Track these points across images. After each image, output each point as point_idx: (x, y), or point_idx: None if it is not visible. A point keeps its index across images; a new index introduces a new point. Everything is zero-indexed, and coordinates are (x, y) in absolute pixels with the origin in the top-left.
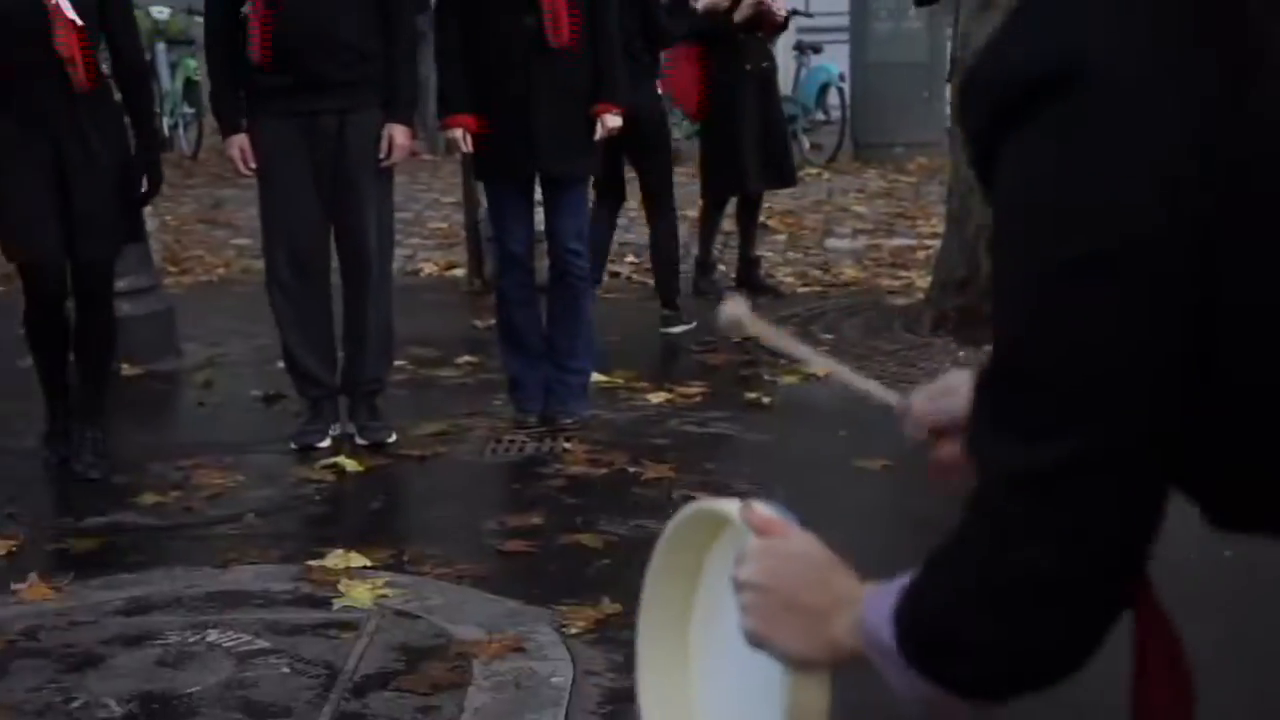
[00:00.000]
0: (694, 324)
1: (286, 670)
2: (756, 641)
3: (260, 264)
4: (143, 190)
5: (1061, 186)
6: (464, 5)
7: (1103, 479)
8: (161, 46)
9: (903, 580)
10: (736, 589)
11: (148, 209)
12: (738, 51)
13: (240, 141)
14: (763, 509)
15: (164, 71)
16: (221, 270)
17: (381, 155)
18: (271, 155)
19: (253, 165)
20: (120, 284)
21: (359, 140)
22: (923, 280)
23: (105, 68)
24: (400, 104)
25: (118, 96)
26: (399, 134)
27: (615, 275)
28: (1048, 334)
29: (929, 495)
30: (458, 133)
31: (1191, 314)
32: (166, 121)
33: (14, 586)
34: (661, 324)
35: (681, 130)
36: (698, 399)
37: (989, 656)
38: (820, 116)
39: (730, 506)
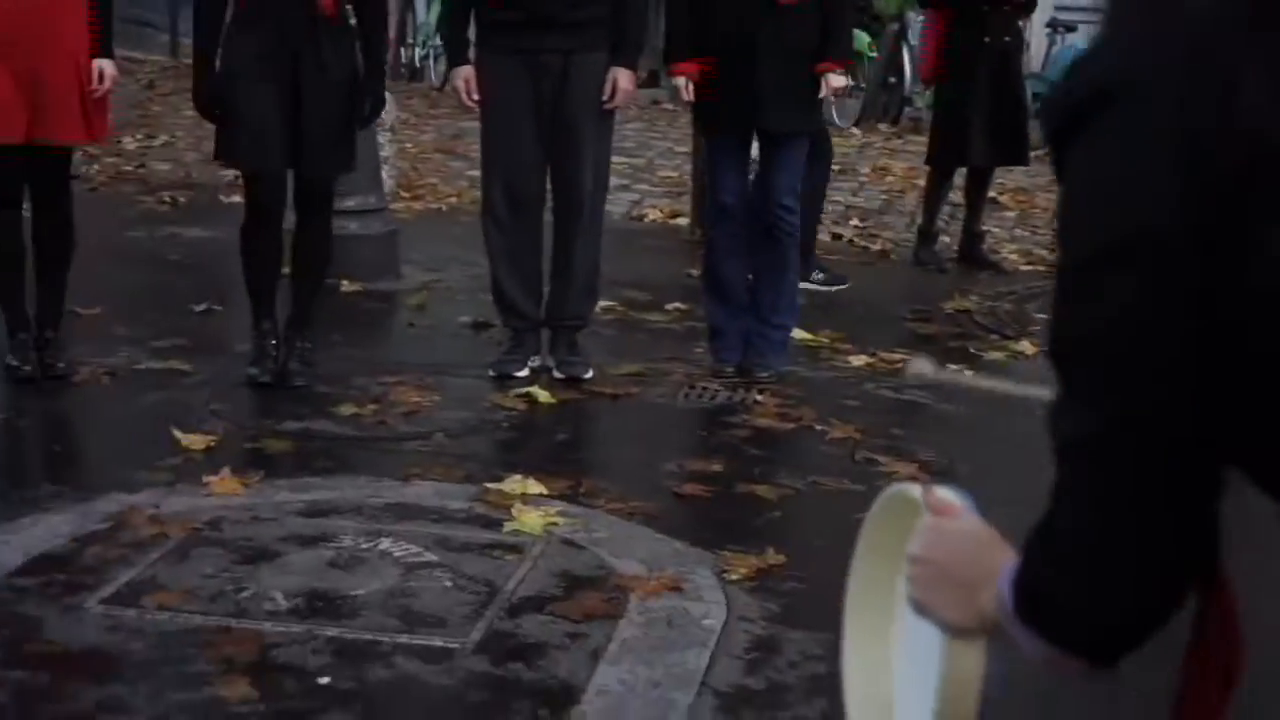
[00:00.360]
0: (837, 284)
1: (449, 584)
2: (918, 609)
3: None
4: (364, 113)
5: (1091, 185)
6: None
7: (1127, 446)
8: None
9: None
10: (907, 562)
11: (388, 134)
12: (980, 22)
13: (466, 73)
14: (943, 492)
15: (420, 3)
16: (453, 199)
17: (605, 98)
18: (495, 90)
19: (476, 97)
20: (349, 203)
21: (582, 81)
22: None
23: None
24: (627, 48)
25: (353, 21)
26: (623, 78)
27: (838, 237)
28: (1076, 315)
29: None
30: (681, 80)
31: (1208, 297)
32: (418, 52)
33: (206, 479)
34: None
35: (923, 99)
36: (899, 365)
37: (1075, 616)
38: None
39: (918, 493)
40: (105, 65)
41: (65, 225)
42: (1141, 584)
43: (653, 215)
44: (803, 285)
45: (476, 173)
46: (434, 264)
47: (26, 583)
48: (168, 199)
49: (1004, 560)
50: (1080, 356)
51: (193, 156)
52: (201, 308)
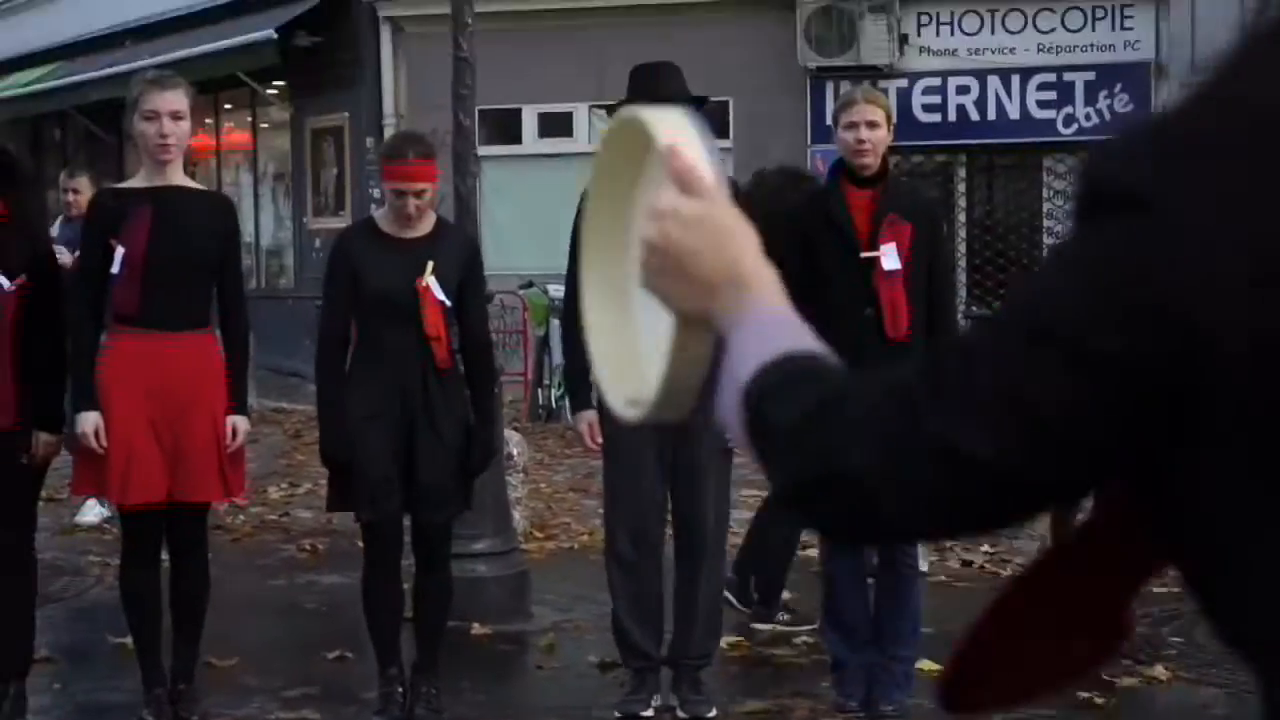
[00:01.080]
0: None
1: None
2: (649, 290)
3: None
4: (474, 462)
5: (1081, 274)
6: (811, 294)
7: (991, 490)
8: (556, 322)
9: (772, 352)
10: (640, 243)
11: (520, 475)
12: None
13: (589, 418)
14: (685, 147)
15: (555, 345)
16: (585, 538)
17: (727, 438)
18: (618, 435)
19: (599, 441)
20: (478, 546)
21: (703, 428)
22: None
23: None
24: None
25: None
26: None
27: (968, 564)
28: (1018, 368)
29: None
30: None
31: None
32: (554, 393)
33: None
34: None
35: None
36: None
37: (808, 482)
38: None
39: (657, 125)
40: (239, 422)
41: (201, 580)
42: (891, 525)
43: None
44: (765, 626)
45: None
46: (565, 604)
47: None
48: (308, 546)
49: (746, 266)
50: (1005, 402)
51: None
52: (334, 655)
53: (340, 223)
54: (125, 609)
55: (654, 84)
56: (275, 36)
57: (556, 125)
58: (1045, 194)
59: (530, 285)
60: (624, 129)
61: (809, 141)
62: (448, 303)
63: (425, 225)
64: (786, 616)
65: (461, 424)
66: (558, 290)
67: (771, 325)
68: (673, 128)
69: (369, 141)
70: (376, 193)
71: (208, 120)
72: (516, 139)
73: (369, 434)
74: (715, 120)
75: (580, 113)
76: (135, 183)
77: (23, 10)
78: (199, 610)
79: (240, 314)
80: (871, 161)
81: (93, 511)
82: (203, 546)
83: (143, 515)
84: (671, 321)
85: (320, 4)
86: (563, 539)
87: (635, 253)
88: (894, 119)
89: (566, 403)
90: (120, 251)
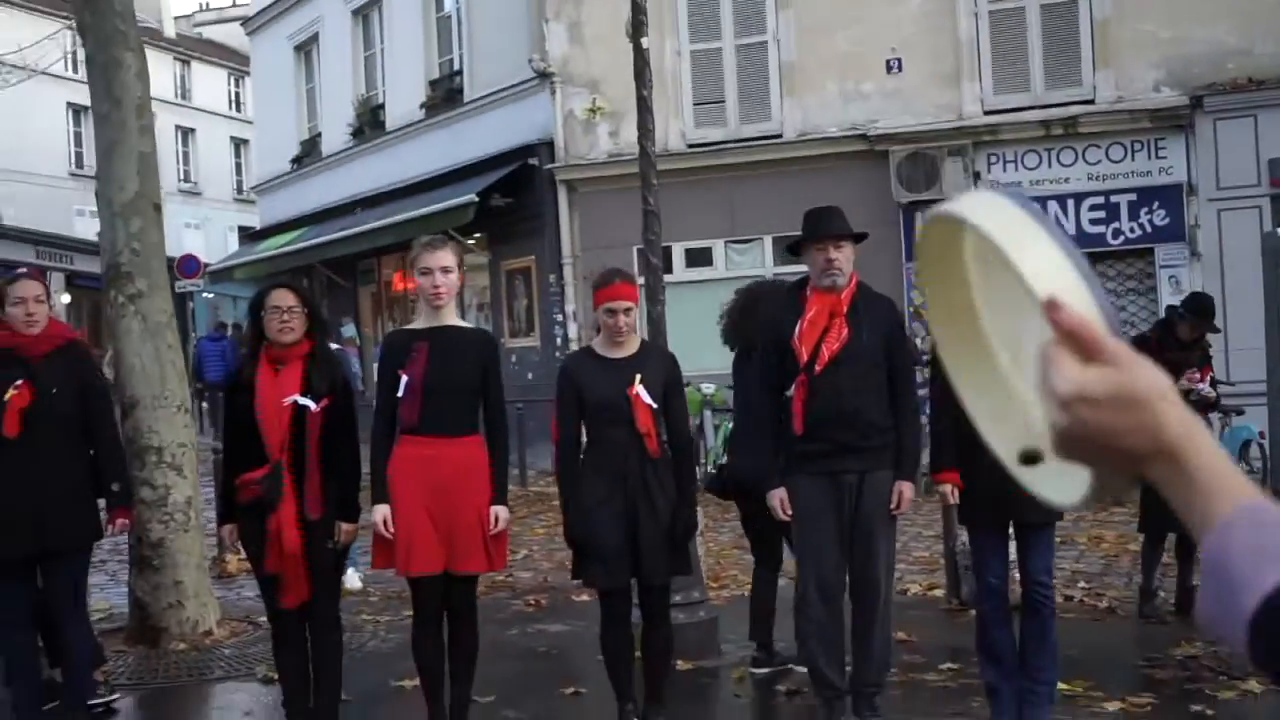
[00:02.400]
0: (781, 667)
1: None
2: (1066, 460)
3: (781, 581)
4: (681, 533)
5: None
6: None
7: None
8: (708, 413)
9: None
10: (1051, 406)
11: (700, 539)
12: None
13: (780, 494)
14: (1069, 301)
15: (709, 431)
16: (749, 587)
17: (892, 506)
18: (806, 505)
19: (789, 512)
20: (677, 597)
21: (875, 493)
22: None
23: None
24: (907, 465)
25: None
26: (908, 490)
27: (1070, 599)
28: None
29: None
30: (947, 487)
31: None
32: (709, 471)
33: None
34: (752, 664)
35: None
36: (1148, 708)
37: None
38: (1243, 467)
39: (1015, 251)
40: (500, 511)
41: (472, 634)
42: None
43: (913, 589)
44: (760, 671)
45: None
46: (745, 643)
47: None
48: (531, 601)
49: (1172, 430)
50: None
51: (547, 565)
52: (569, 690)
53: (531, 342)
54: (415, 658)
55: (823, 222)
56: (476, 199)
57: (699, 257)
58: None
59: (688, 384)
60: (945, 227)
61: (903, 260)
62: (654, 405)
63: (631, 346)
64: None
65: (670, 500)
66: (708, 388)
67: (1271, 527)
68: (1021, 241)
69: (551, 277)
70: (560, 317)
71: None
72: (669, 269)
73: (600, 516)
74: None
75: (718, 247)
76: (417, 324)
77: (277, 190)
78: (471, 658)
79: (501, 423)
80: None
81: (353, 580)
82: (473, 608)
83: (423, 582)
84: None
85: (510, 173)
86: (733, 588)
87: (988, 323)
88: None
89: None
90: (404, 379)
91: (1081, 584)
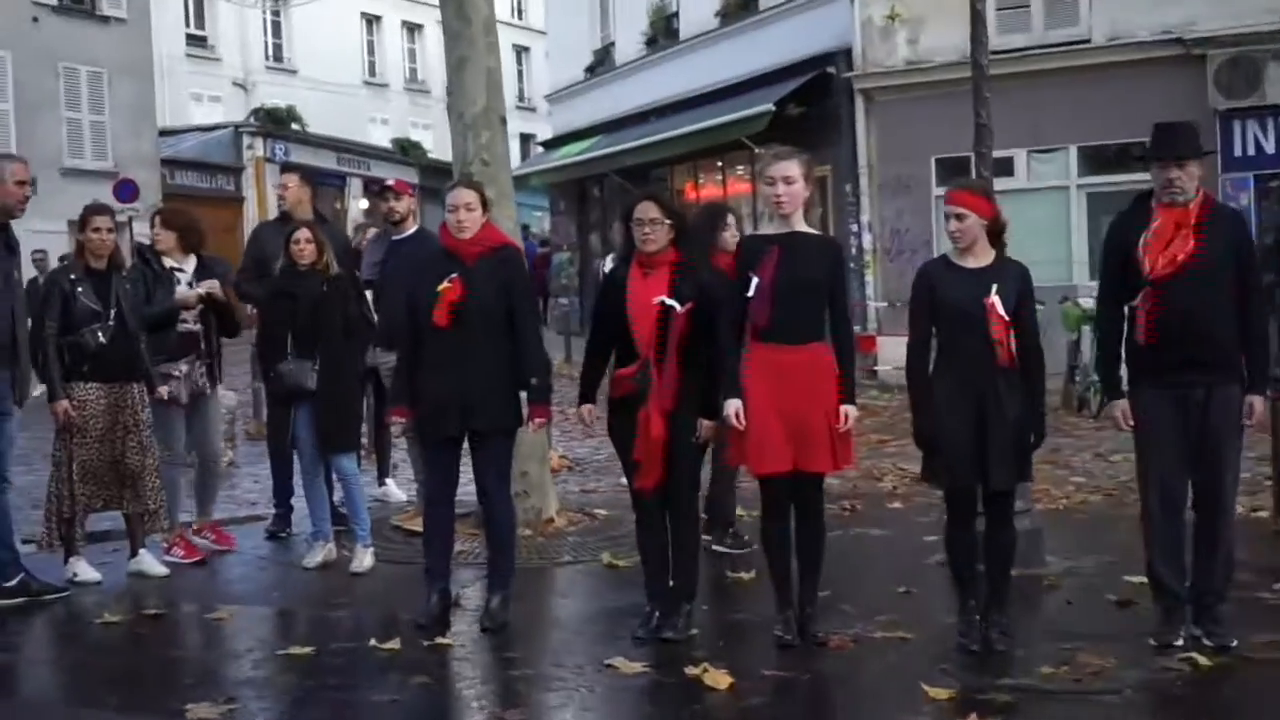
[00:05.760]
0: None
1: None
2: None
3: (1094, 498)
4: (1031, 439)
5: None
6: None
7: None
8: (1086, 328)
9: None
10: None
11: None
12: None
13: (1122, 406)
14: None
15: (1086, 346)
16: (1064, 501)
17: (1244, 420)
18: (1151, 418)
19: (1131, 424)
20: None
21: (1221, 407)
22: None
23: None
24: (1257, 379)
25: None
26: (1259, 403)
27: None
28: None
29: None
30: None
31: None
32: (1078, 388)
33: None
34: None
35: None
36: None
37: None
38: None
39: None
40: (849, 409)
41: (819, 531)
42: None
43: (1237, 510)
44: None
45: (1078, 479)
46: (1069, 553)
47: None
48: (847, 506)
49: None
50: None
51: (853, 473)
52: (902, 589)
53: None
54: (765, 550)
55: (1164, 140)
56: (772, 109)
57: (1000, 167)
58: None
59: (1066, 300)
60: None
61: (1219, 172)
62: (1006, 316)
63: (987, 257)
64: (730, 540)
65: (1021, 411)
66: (1087, 303)
67: None
68: None
69: (847, 187)
70: (855, 227)
71: (716, 176)
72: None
73: (950, 418)
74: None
75: (1020, 156)
76: (766, 230)
77: (570, 98)
78: (819, 554)
79: (847, 326)
80: None
81: (366, 559)
82: (820, 506)
83: (772, 481)
84: None
85: (807, 82)
86: (1045, 502)
87: None
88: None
89: (1091, 394)
90: (754, 281)
91: None
